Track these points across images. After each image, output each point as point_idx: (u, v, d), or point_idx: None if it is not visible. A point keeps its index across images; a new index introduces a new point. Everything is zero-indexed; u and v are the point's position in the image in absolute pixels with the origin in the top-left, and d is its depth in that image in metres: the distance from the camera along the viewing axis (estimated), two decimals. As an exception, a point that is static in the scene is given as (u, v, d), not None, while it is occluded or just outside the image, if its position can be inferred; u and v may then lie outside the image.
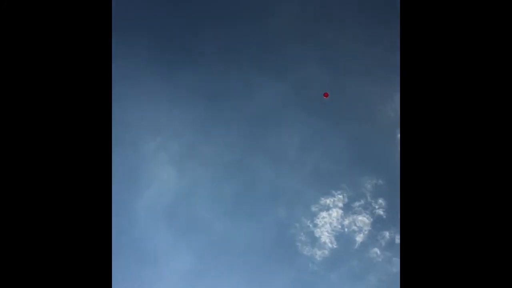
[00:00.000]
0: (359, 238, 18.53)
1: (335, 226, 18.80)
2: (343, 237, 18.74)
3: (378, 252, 18.20)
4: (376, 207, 18.81)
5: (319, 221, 18.92)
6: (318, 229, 18.82)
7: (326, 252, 18.51)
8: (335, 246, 18.57)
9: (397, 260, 17.95)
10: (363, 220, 18.68)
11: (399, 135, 19.04)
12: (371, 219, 18.71)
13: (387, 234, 18.38)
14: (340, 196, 19.15)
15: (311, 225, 18.95)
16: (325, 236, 18.67)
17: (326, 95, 17.71)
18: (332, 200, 19.15)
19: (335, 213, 18.92)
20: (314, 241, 18.71)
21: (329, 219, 18.86)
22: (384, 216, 18.71)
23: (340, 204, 19.08)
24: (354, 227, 18.69)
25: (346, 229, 18.77)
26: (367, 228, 18.61)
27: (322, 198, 19.26)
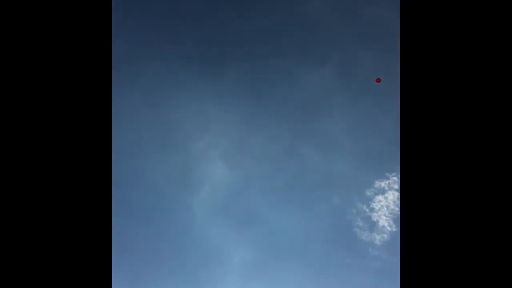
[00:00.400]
0: (419, 219, 18.02)
1: (392, 209, 18.41)
2: (401, 220, 18.28)
3: (440, 231, 17.63)
4: (434, 186, 18.16)
5: (375, 205, 18.61)
6: (375, 213, 18.53)
7: (386, 236, 18.21)
8: (394, 229, 18.22)
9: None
10: (421, 200, 18.12)
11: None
12: (430, 199, 18.10)
13: (448, 213, 17.75)
14: (395, 178, 18.67)
15: (367, 210, 18.68)
16: (383, 220, 18.34)
17: (378, 80, 17.18)
18: (387, 182, 18.74)
19: (391, 195, 18.52)
20: (372, 225, 18.46)
21: (386, 202, 18.49)
22: (444, 195, 18.04)
23: (396, 186, 18.62)
24: (412, 209, 18.17)
25: (404, 211, 18.29)
26: (426, 209, 18.03)
27: (377, 182, 18.90)
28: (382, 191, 18.69)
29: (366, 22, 21.49)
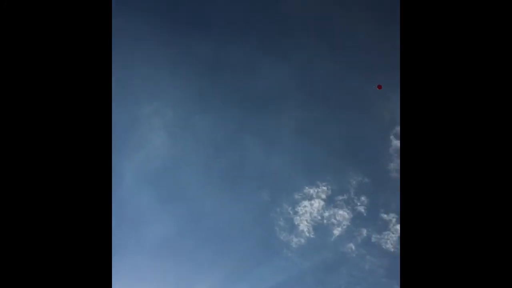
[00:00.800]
0: (337, 231, 18.77)
1: (314, 217, 19.01)
2: (321, 228, 18.97)
3: (353, 247, 18.47)
4: (358, 203, 19.00)
5: (300, 209, 19.12)
6: (298, 217, 19.04)
7: (303, 240, 18.76)
8: (312, 236, 18.82)
9: (370, 258, 18.26)
10: (343, 214, 18.88)
11: (392, 137, 19.06)
12: (351, 215, 18.92)
13: (364, 231, 18.62)
14: (324, 188, 19.30)
15: (291, 212, 19.17)
16: (303, 224, 18.89)
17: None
18: (316, 190, 19.31)
19: (317, 203, 19.11)
20: (292, 228, 18.96)
21: (310, 208, 19.05)
22: (365, 214, 18.92)
23: (323, 196, 19.25)
24: (333, 220, 18.90)
25: (325, 221, 18.99)
26: (345, 223, 18.84)
27: (307, 187, 19.42)
28: (309, 198, 19.24)
29: (334, 29, 21.96)
